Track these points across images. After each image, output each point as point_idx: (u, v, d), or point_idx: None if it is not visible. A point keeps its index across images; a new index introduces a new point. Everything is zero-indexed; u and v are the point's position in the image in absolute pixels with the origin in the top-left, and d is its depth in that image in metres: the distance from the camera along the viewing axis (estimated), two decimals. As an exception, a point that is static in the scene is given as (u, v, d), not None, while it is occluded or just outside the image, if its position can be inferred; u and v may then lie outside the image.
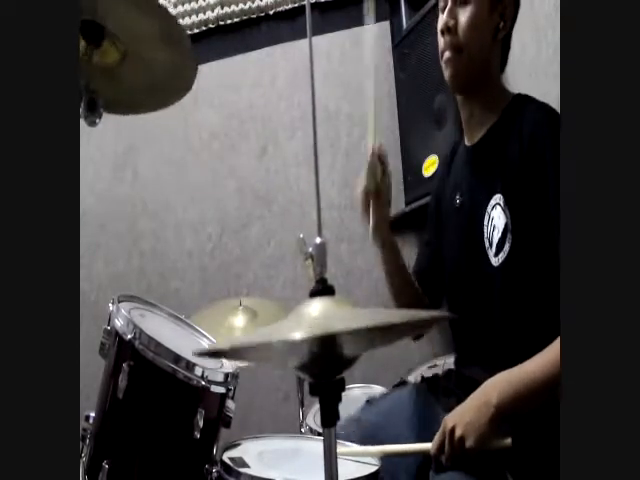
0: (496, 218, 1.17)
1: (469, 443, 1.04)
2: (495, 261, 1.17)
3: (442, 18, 1.24)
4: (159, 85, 1.27)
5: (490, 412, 1.04)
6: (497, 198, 1.17)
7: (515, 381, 1.06)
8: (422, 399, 1.25)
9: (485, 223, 1.19)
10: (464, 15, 1.20)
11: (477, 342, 1.24)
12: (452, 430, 1.05)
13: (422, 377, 1.67)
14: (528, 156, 1.12)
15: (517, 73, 1.86)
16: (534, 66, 1.79)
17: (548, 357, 1.03)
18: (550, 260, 1.05)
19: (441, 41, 1.24)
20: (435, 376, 1.61)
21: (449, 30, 1.21)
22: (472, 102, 1.27)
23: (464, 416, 1.06)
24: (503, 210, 1.15)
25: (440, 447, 1.07)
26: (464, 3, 1.21)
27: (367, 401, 1.37)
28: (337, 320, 0.65)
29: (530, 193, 1.11)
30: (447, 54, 1.22)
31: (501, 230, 1.15)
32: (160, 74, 1.24)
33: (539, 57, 1.77)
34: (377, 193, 1.35)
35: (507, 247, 1.14)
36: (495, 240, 1.17)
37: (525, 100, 1.22)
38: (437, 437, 1.08)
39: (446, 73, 1.24)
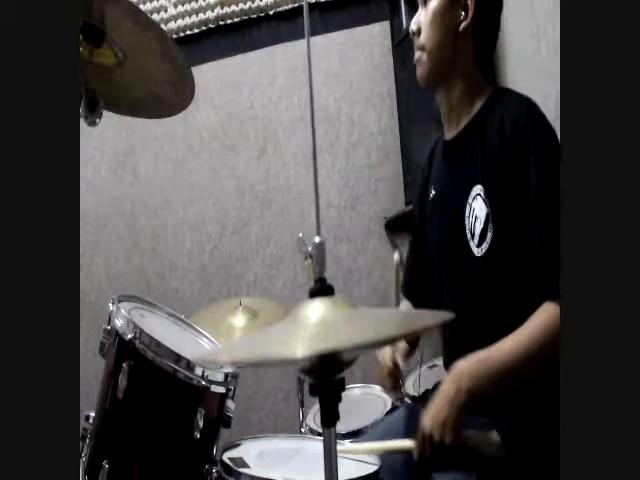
0: (477, 209, 1.18)
1: (448, 441, 1.05)
2: (478, 251, 1.19)
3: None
4: (157, 97, 1.28)
5: (461, 401, 1.06)
6: (477, 189, 1.19)
7: (485, 366, 1.08)
8: (416, 419, 1.25)
9: (466, 215, 1.21)
10: (425, 16, 1.26)
11: (463, 335, 1.25)
12: (430, 437, 1.06)
13: (412, 397, 1.68)
14: (510, 148, 1.14)
15: (517, 72, 1.86)
16: (534, 65, 1.79)
17: (519, 338, 1.07)
18: (530, 249, 1.09)
19: None
20: (426, 392, 1.63)
21: (414, 34, 1.28)
22: (448, 97, 1.29)
23: (438, 417, 1.06)
24: (484, 201, 1.17)
25: (422, 450, 1.08)
26: (425, 5, 1.26)
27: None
28: (338, 330, 0.65)
29: (511, 184, 1.13)
30: (415, 55, 1.29)
31: (483, 220, 1.17)
32: (158, 86, 1.25)
33: (539, 56, 1.77)
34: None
35: (489, 237, 1.16)
36: (477, 231, 1.19)
37: (504, 93, 1.25)
38: (418, 441, 1.09)
39: (417, 73, 1.30)
